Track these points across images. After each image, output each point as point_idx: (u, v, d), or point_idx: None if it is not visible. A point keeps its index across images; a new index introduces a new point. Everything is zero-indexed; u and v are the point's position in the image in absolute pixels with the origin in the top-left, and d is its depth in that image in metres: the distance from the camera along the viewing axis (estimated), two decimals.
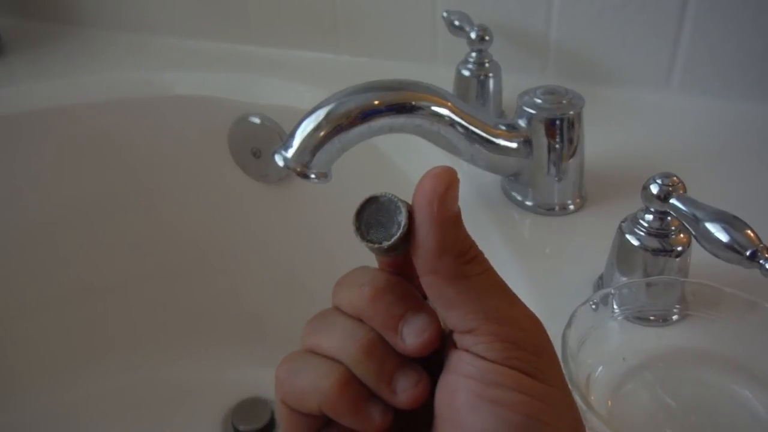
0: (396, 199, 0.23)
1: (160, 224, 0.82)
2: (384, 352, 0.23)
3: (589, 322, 0.38)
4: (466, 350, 0.22)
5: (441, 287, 0.22)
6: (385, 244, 0.23)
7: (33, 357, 0.82)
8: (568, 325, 0.37)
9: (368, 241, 0.23)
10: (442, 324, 0.24)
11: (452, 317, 0.23)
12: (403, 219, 0.22)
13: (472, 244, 0.23)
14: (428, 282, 0.23)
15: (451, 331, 0.23)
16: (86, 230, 0.80)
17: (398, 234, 0.22)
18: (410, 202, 0.23)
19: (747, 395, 0.37)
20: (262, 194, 0.78)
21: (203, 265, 0.84)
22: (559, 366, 0.23)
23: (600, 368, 0.38)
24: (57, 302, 0.81)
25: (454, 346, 0.23)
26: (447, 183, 0.22)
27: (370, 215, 0.23)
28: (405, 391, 0.22)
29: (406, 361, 0.23)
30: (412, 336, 0.23)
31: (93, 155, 0.78)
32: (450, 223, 0.22)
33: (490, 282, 0.23)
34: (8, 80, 0.79)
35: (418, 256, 0.22)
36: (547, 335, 0.23)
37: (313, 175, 0.45)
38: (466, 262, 0.22)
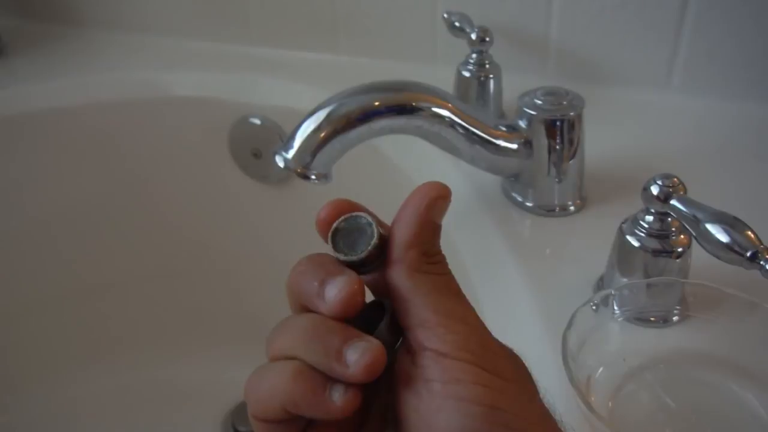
0: (367, 219, 0.25)
1: (161, 225, 0.82)
2: (328, 330, 0.23)
3: (590, 323, 0.38)
4: (421, 350, 0.23)
5: (402, 277, 0.24)
6: (361, 254, 0.24)
7: (33, 357, 0.82)
8: (569, 326, 0.37)
9: (344, 255, 0.25)
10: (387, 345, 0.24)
11: (406, 310, 0.24)
12: (374, 231, 0.24)
13: (440, 253, 0.25)
14: (392, 272, 0.24)
15: (404, 348, 0.24)
16: (86, 230, 0.80)
17: (370, 247, 0.24)
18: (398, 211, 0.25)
19: (747, 396, 0.37)
20: (263, 195, 0.78)
21: (203, 265, 0.84)
22: (509, 362, 0.24)
23: (600, 369, 0.38)
24: (57, 302, 0.81)
25: (408, 354, 0.24)
26: (439, 193, 0.25)
27: (345, 234, 0.25)
28: (356, 362, 0.22)
29: (354, 334, 0.23)
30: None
31: (93, 156, 0.78)
32: (429, 226, 0.25)
33: (446, 284, 0.25)
34: (9, 81, 0.79)
35: (392, 246, 0.24)
36: (492, 337, 0.25)
37: (313, 176, 0.45)
38: (429, 261, 0.25)
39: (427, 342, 0.23)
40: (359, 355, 0.22)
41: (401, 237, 0.24)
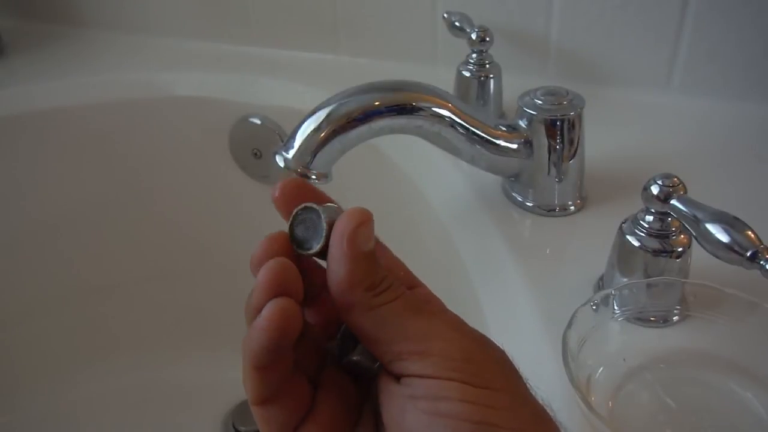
0: (318, 209, 0.24)
1: (161, 225, 0.82)
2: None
3: (590, 322, 0.38)
4: (404, 375, 0.23)
5: (358, 321, 0.23)
6: (309, 251, 0.24)
7: (34, 357, 0.82)
8: (569, 325, 0.37)
9: (297, 247, 0.25)
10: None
11: (377, 350, 0.24)
12: (323, 229, 0.24)
13: (385, 277, 0.24)
14: (346, 318, 0.24)
15: (384, 369, 0.24)
16: (87, 231, 0.80)
17: (319, 246, 0.24)
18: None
19: (747, 396, 0.37)
20: (263, 195, 0.78)
21: (204, 265, 0.84)
22: (496, 368, 0.23)
23: (600, 369, 0.38)
24: (57, 303, 0.81)
25: (388, 377, 0.24)
26: (357, 222, 0.23)
27: (302, 227, 0.25)
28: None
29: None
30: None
31: (94, 156, 0.78)
32: (360, 260, 0.23)
33: (403, 305, 0.24)
34: (9, 81, 0.79)
35: (333, 293, 0.24)
36: (475, 341, 0.24)
37: (313, 176, 0.45)
38: (377, 294, 0.24)
39: (408, 370, 0.23)
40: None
41: (338, 282, 0.23)
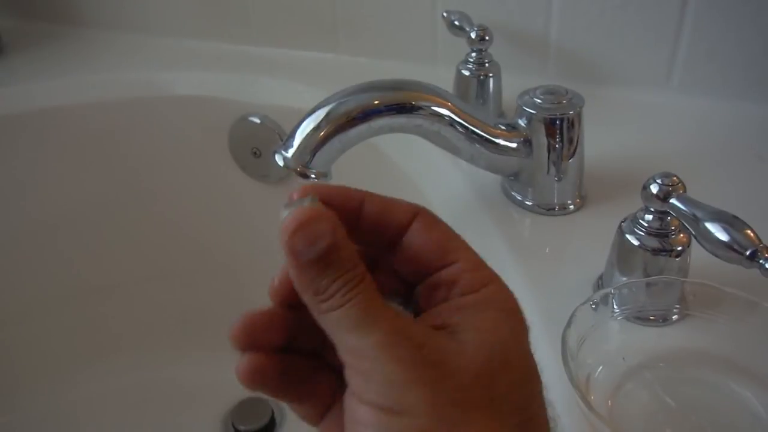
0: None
1: (161, 224, 0.82)
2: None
3: (589, 321, 0.38)
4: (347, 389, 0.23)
5: (317, 322, 0.23)
6: None
7: (34, 357, 0.82)
8: (568, 324, 0.37)
9: None
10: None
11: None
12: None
13: (332, 282, 0.23)
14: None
15: None
16: (87, 230, 0.80)
17: None
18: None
19: (747, 395, 0.37)
20: (263, 194, 0.78)
21: (204, 265, 0.84)
22: (424, 390, 0.21)
23: (600, 368, 0.38)
24: (57, 303, 0.81)
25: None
26: (293, 227, 0.22)
27: None
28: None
29: None
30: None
31: (94, 155, 0.78)
32: (302, 266, 0.23)
33: (345, 315, 0.23)
34: (8, 80, 0.79)
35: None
36: (404, 359, 0.22)
37: (312, 175, 0.45)
38: (323, 300, 0.23)
39: (348, 381, 0.23)
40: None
41: (297, 288, 0.23)
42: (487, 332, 0.23)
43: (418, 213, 0.25)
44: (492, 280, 0.25)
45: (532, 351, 0.24)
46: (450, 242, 0.25)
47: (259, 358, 0.25)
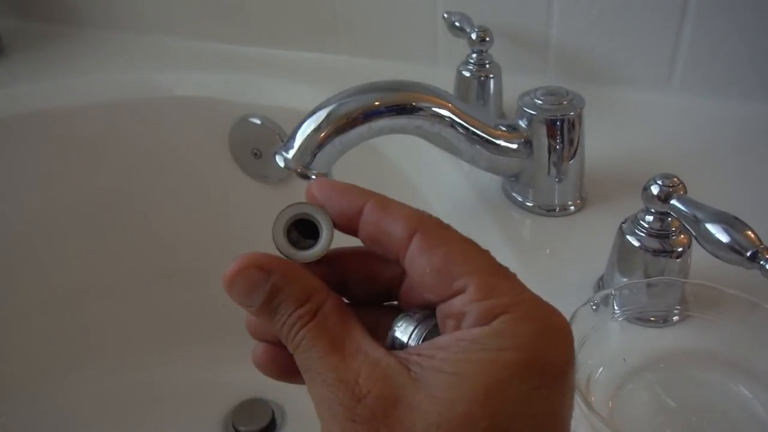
0: (314, 212, 0.24)
1: (161, 225, 0.82)
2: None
3: (590, 322, 0.38)
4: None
5: None
6: (314, 253, 0.24)
7: (33, 357, 0.82)
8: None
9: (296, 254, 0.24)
10: None
11: None
12: (325, 231, 0.23)
13: (284, 322, 0.22)
14: None
15: None
16: (86, 231, 0.80)
17: (320, 245, 0.23)
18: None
19: (748, 396, 0.37)
20: (263, 195, 0.78)
21: (204, 265, 0.84)
22: (388, 409, 0.20)
23: (600, 369, 0.38)
24: (56, 303, 0.81)
25: None
26: (227, 284, 0.22)
27: (297, 231, 0.24)
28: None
29: None
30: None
31: (93, 156, 0.78)
32: (257, 313, 0.23)
33: (300, 358, 0.22)
34: (8, 80, 0.79)
35: None
36: (337, 416, 0.20)
37: (313, 176, 0.45)
38: (286, 342, 0.22)
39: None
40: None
41: None
42: (470, 378, 0.19)
43: (418, 229, 0.22)
44: (508, 309, 0.21)
45: None
46: (456, 266, 0.21)
47: (272, 347, 0.25)
